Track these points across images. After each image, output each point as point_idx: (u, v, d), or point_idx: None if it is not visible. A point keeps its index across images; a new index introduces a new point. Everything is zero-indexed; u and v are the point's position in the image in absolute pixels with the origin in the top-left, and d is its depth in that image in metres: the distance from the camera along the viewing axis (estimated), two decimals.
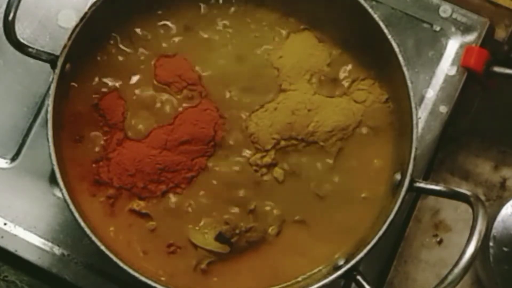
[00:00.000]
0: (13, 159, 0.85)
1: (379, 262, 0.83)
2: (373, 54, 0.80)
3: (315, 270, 0.77)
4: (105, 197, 0.77)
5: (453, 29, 0.86)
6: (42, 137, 0.77)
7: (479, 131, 0.89)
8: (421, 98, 0.85)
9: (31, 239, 0.82)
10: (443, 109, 0.85)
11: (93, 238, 0.72)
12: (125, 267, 0.72)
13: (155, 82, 0.80)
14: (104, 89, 0.79)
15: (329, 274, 0.74)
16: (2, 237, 0.82)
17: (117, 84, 0.79)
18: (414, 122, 0.75)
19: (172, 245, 0.77)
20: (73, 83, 0.78)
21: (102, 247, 0.72)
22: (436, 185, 0.76)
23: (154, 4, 0.80)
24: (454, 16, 0.86)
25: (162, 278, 0.76)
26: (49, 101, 0.74)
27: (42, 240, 0.82)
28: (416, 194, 0.85)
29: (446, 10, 0.86)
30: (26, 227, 0.83)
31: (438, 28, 0.86)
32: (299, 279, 0.77)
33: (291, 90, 0.80)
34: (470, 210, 0.69)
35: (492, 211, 0.82)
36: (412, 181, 0.74)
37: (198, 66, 0.80)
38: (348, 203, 0.79)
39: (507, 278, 0.81)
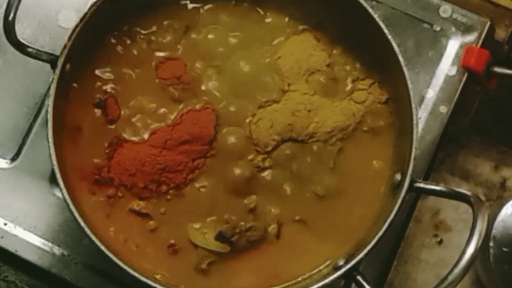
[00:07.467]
0: (13, 159, 0.85)
1: (379, 262, 0.83)
2: (373, 54, 0.80)
3: (315, 270, 0.77)
4: (105, 197, 0.77)
5: (453, 29, 0.86)
6: (42, 137, 0.76)
7: (479, 131, 0.89)
8: (421, 98, 0.85)
9: (31, 239, 0.82)
10: (443, 109, 0.85)
11: (93, 238, 0.72)
12: (125, 267, 0.72)
13: (155, 82, 0.80)
14: (104, 89, 0.79)
15: (329, 274, 0.74)
16: (2, 237, 0.82)
17: (117, 84, 0.79)
18: (414, 122, 0.75)
19: (172, 245, 0.77)
20: (73, 83, 0.78)
21: (102, 247, 0.72)
22: (436, 185, 0.76)
23: (154, 4, 0.80)
24: (454, 16, 0.86)
25: (162, 279, 0.76)
26: (49, 101, 0.74)
27: (42, 240, 0.82)
28: (416, 194, 0.85)
29: (446, 10, 0.86)
30: (26, 227, 0.83)
31: (438, 28, 0.86)
32: (299, 279, 0.77)
33: (290, 91, 0.80)
34: (470, 210, 0.69)
35: (492, 211, 0.83)
36: (412, 181, 0.74)
37: (198, 66, 0.80)
38: (348, 203, 0.79)
39: (507, 278, 0.81)
